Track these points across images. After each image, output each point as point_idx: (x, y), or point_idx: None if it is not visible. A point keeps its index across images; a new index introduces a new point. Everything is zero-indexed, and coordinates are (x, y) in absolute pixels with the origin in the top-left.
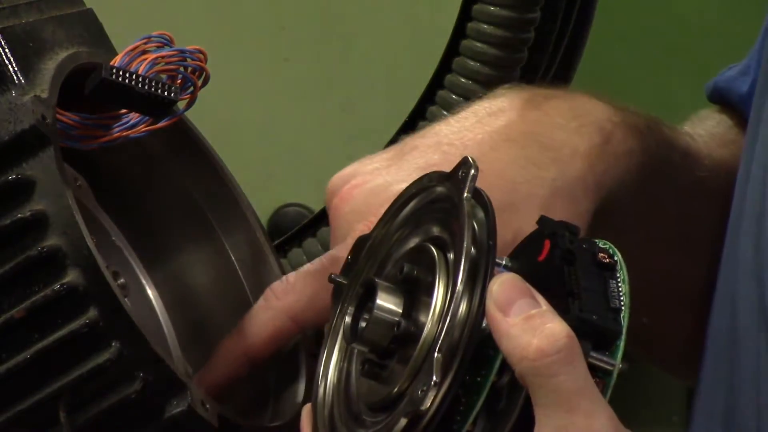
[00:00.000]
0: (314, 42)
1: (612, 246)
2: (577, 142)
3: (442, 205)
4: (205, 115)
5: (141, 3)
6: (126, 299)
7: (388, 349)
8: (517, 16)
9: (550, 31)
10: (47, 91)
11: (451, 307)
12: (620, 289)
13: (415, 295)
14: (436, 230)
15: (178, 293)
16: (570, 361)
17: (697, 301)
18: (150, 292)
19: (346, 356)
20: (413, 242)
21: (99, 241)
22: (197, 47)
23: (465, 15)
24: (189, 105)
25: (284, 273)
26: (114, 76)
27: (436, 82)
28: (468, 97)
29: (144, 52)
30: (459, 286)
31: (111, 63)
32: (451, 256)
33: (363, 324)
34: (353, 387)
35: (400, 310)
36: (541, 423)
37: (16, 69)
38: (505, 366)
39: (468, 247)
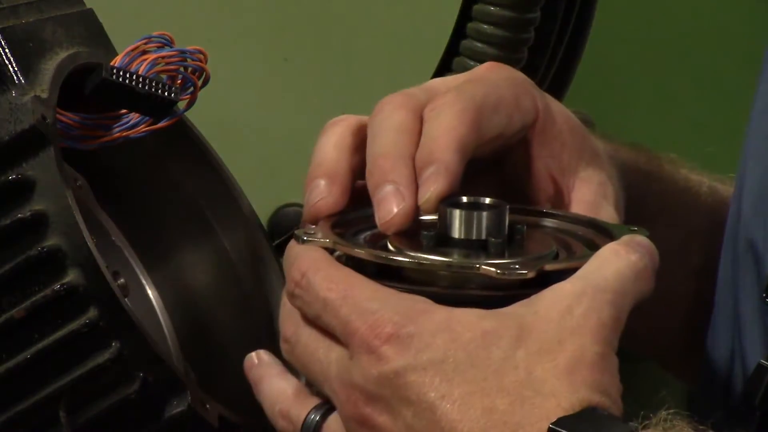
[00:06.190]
0: (314, 42)
1: None
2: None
3: None
4: (205, 115)
5: (141, 3)
6: (126, 299)
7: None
8: (517, 16)
9: (550, 31)
10: (47, 91)
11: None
12: None
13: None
14: None
15: (178, 293)
16: None
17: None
18: (150, 292)
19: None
20: None
21: (99, 241)
22: (197, 47)
23: (465, 15)
24: (189, 105)
25: (284, 273)
26: (114, 76)
27: None
28: None
29: (144, 52)
30: None
31: (111, 63)
32: None
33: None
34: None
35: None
36: None
37: (16, 69)
38: None
39: None
